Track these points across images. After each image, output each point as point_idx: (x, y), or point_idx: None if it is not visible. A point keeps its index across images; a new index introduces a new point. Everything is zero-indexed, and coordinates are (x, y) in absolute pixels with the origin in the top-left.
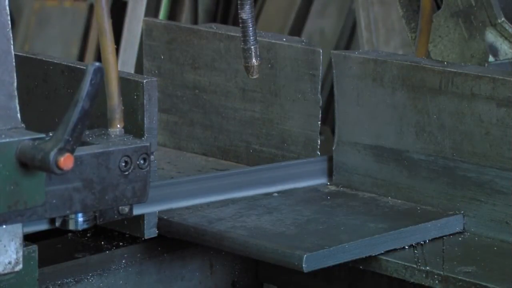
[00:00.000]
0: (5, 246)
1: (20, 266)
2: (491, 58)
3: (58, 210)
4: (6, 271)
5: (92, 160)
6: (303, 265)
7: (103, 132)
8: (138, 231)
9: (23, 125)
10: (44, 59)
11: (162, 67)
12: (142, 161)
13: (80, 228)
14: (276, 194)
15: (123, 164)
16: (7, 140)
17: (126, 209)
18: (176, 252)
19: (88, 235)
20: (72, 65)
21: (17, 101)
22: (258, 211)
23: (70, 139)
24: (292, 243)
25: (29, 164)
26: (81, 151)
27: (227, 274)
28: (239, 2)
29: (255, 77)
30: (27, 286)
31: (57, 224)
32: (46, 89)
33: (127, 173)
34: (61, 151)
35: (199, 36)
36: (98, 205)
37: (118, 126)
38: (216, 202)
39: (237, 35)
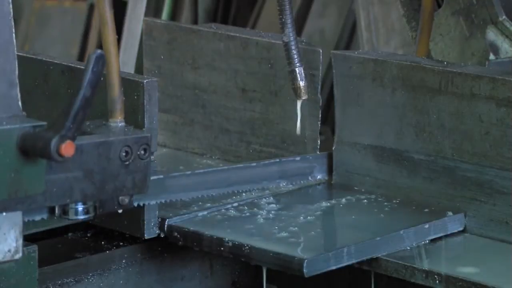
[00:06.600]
0: (4, 234)
1: (19, 255)
2: (491, 57)
3: (58, 199)
4: (5, 259)
5: (92, 149)
6: (304, 270)
7: (103, 123)
8: (138, 231)
9: (24, 113)
10: (44, 59)
11: (162, 67)
12: (142, 152)
13: (80, 217)
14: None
15: (124, 154)
16: (8, 127)
17: (126, 199)
18: (176, 252)
19: (88, 235)
20: (72, 65)
21: (18, 89)
22: (258, 213)
23: (72, 126)
24: (292, 246)
25: (30, 151)
26: (82, 140)
27: (227, 274)
28: (280, 26)
29: (304, 98)
30: (27, 286)
31: (57, 213)
32: (46, 89)
33: (127, 163)
34: (63, 138)
35: (199, 36)
36: (98, 195)
37: (119, 117)
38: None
39: (237, 35)
